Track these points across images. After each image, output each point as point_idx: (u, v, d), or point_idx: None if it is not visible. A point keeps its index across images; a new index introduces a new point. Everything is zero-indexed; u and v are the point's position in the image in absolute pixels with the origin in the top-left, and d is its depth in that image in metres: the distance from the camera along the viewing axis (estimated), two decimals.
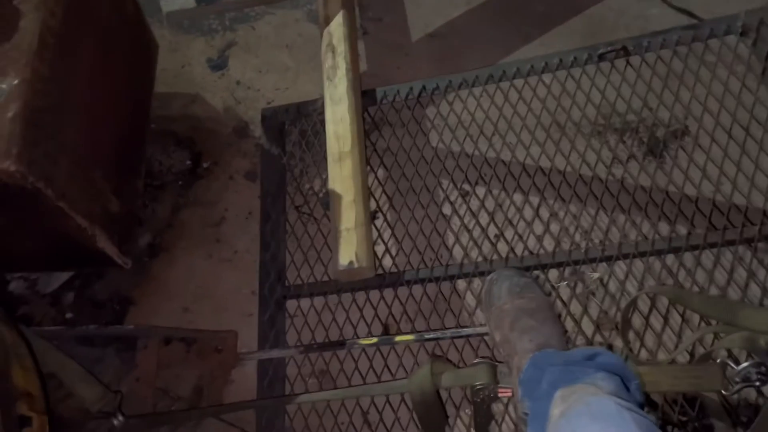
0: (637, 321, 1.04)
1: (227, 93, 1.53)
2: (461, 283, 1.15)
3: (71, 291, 1.31)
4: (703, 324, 1.00)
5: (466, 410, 1.07)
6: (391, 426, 1.04)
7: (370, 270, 1.10)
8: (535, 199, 1.16)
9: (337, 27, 1.28)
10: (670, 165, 1.17)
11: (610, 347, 1.06)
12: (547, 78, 1.25)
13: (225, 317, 1.26)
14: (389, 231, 1.20)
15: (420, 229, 1.17)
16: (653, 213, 1.10)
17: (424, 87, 1.30)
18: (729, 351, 0.95)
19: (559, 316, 1.05)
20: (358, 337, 1.11)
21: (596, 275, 1.12)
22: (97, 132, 1.10)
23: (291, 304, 1.19)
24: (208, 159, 1.44)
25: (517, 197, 1.18)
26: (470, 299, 1.14)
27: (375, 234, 1.19)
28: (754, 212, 1.06)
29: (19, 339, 0.88)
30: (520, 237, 1.14)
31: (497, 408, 1.02)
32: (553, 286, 1.11)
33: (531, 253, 1.12)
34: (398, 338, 1.09)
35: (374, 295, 1.14)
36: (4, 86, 0.87)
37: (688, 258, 1.05)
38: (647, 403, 0.90)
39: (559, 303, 1.09)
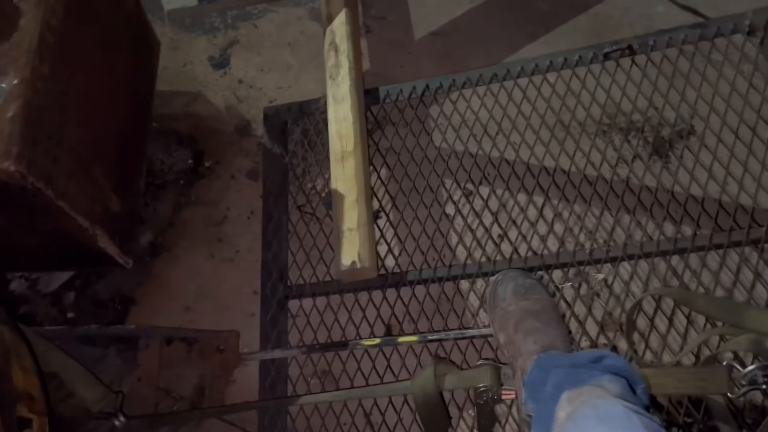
0: (641, 322, 1.03)
1: (229, 91, 1.52)
2: (464, 284, 1.14)
3: (72, 290, 1.30)
4: (708, 326, 1.00)
5: (470, 411, 1.06)
6: (394, 427, 1.03)
7: (372, 270, 1.09)
8: (539, 200, 1.16)
9: (339, 25, 1.28)
10: (675, 165, 1.16)
11: (615, 348, 1.05)
12: (551, 77, 1.24)
13: (227, 317, 1.25)
14: (392, 231, 1.20)
15: (423, 229, 1.17)
16: (658, 213, 1.09)
17: (427, 86, 1.29)
18: (735, 353, 0.95)
19: (563, 317, 1.04)
20: (360, 338, 1.11)
21: (601, 276, 1.11)
22: (97, 131, 1.09)
23: (293, 304, 1.19)
24: (209, 158, 1.44)
25: (521, 197, 1.17)
26: (473, 300, 1.13)
27: (378, 234, 1.19)
28: (761, 213, 1.05)
29: (19, 339, 0.88)
30: (524, 237, 1.13)
31: (500, 410, 1.01)
32: (557, 287, 1.10)
33: (535, 253, 1.12)
34: (401, 339, 1.08)
35: (377, 295, 1.14)
36: (3, 85, 0.87)
37: (693, 259, 1.05)
38: (652, 405, 0.89)
39: (563, 304, 1.08)
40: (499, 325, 0.97)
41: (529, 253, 1.11)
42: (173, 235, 1.36)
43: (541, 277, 1.09)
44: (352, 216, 1.11)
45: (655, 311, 1.03)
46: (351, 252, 1.08)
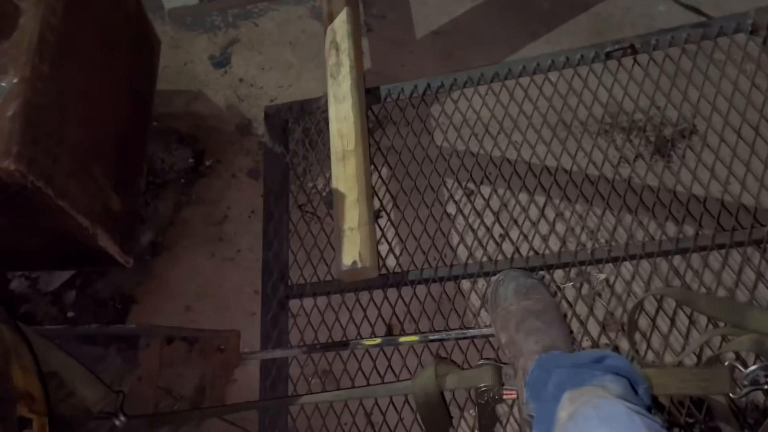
0: (643, 322, 1.03)
1: (230, 90, 1.52)
2: (465, 284, 1.14)
3: (73, 289, 1.30)
4: (710, 326, 0.99)
5: (470, 411, 1.06)
6: (395, 427, 1.03)
7: (373, 270, 1.09)
8: (540, 199, 1.15)
9: (340, 24, 1.27)
10: (677, 165, 1.15)
11: (616, 348, 1.05)
12: (553, 76, 1.24)
13: (227, 316, 1.25)
14: (393, 230, 1.19)
15: (424, 229, 1.16)
16: (660, 213, 1.09)
17: (428, 85, 1.29)
18: (737, 354, 0.94)
19: (565, 316, 1.04)
20: (361, 338, 1.10)
21: (602, 276, 1.11)
22: (98, 130, 1.09)
23: (294, 304, 1.18)
24: (210, 157, 1.43)
25: (523, 197, 1.17)
26: (474, 300, 1.13)
27: (379, 233, 1.18)
28: (764, 213, 1.04)
29: (19, 338, 0.88)
30: (526, 237, 1.13)
31: (501, 409, 1.01)
32: (558, 287, 1.10)
33: (536, 253, 1.11)
34: (402, 339, 1.08)
35: (378, 295, 1.14)
36: (3, 84, 0.86)
37: (695, 259, 1.04)
38: (654, 405, 0.89)
39: (564, 304, 1.08)
40: (500, 324, 0.97)
41: (531, 253, 1.11)
42: (174, 234, 1.36)
43: (543, 276, 1.08)
44: (353, 215, 1.10)
45: (657, 311, 1.02)
46: (352, 251, 1.08)
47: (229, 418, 1.13)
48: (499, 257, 1.12)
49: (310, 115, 1.35)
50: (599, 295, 1.11)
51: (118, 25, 1.19)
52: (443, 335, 1.07)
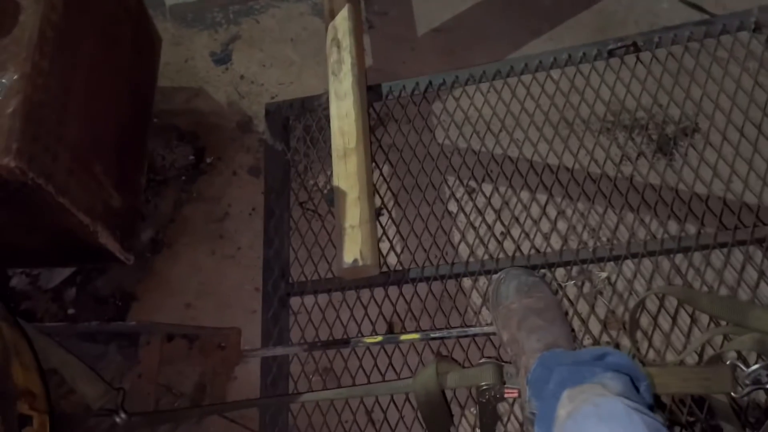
0: (644, 321, 1.03)
1: (231, 87, 1.51)
2: (467, 282, 1.14)
3: (73, 287, 1.30)
4: (712, 325, 0.99)
5: (471, 409, 1.06)
6: (396, 425, 1.03)
7: (374, 268, 1.09)
8: (542, 197, 1.15)
9: (342, 21, 1.27)
10: (680, 163, 1.15)
11: (617, 347, 1.05)
12: (555, 74, 1.24)
13: (228, 314, 1.25)
14: (394, 228, 1.19)
15: (425, 227, 1.16)
16: (662, 212, 1.09)
17: (430, 82, 1.29)
18: (738, 352, 0.94)
19: (566, 315, 1.03)
20: (362, 336, 1.10)
21: (604, 274, 1.11)
22: (98, 127, 1.09)
23: (295, 302, 1.18)
24: (211, 154, 1.43)
25: (525, 195, 1.17)
26: (476, 298, 1.13)
27: (380, 231, 1.18)
28: (766, 211, 1.04)
29: (19, 335, 0.88)
30: (527, 235, 1.13)
31: (503, 408, 1.01)
32: (560, 285, 1.09)
33: (538, 251, 1.11)
34: (403, 337, 1.08)
35: (379, 293, 1.13)
36: (4, 81, 0.86)
37: (697, 257, 1.04)
38: (655, 404, 0.89)
39: (565, 302, 1.07)
40: (502, 323, 0.97)
41: (532, 251, 1.11)
42: (174, 231, 1.36)
43: (544, 275, 1.08)
44: (354, 213, 1.10)
45: (659, 310, 1.02)
46: (353, 249, 1.08)
47: (229, 415, 1.13)
48: (501, 255, 1.12)
49: (311, 112, 1.34)
50: (601, 293, 1.11)
51: (119, 22, 1.19)
52: (444, 333, 1.07)
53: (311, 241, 1.21)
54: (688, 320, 1.00)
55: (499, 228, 1.16)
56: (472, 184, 1.23)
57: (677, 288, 1.01)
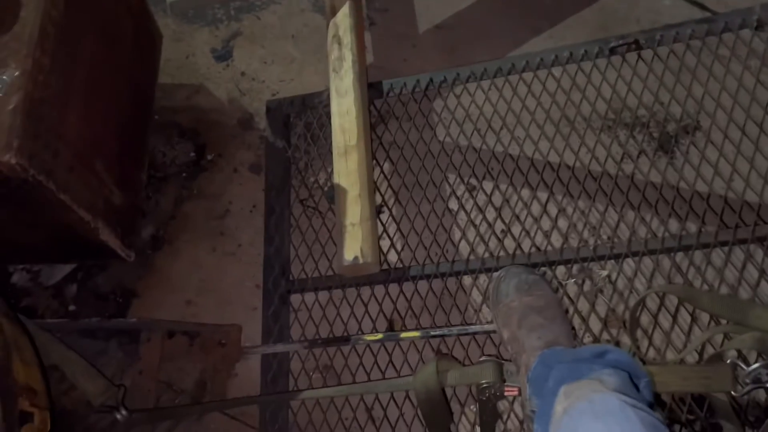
0: (645, 319, 1.03)
1: (232, 84, 1.51)
2: (467, 279, 1.14)
3: (74, 283, 1.30)
4: (712, 323, 0.99)
5: (471, 407, 1.06)
6: (396, 422, 1.03)
7: (375, 265, 1.09)
8: (543, 195, 1.15)
9: (343, 18, 1.27)
10: (681, 161, 1.15)
11: (618, 345, 1.05)
12: (556, 71, 1.23)
13: (229, 311, 1.25)
14: (395, 226, 1.19)
15: (426, 224, 1.16)
16: (663, 210, 1.08)
17: (431, 79, 1.28)
18: (739, 351, 0.94)
19: (566, 313, 1.03)
20: (362, 333, 1.10)
21: (604, 273, 1.11)
22: (99, 124, 1.09)
23: (295, 299, 1.18)
24: (212, 151, 1.43)
25: (525, 192, 1.16)
26: (476, 295, 1.13)
27: (380, 229, 1.18)
28: (767, 210, 1.04)
29: (20, 332, 0.88)
30: (528, 233, 1.13)
31: (503, 406, 1.01)
32: (560, 283, 1.09)
33: (538, 249, 1.11)
34: (403, 335, 1.08)
35: (379, 290, 1.13)
36: (4, 77, 0.86)
37: (698, 256, 1.04)
38: (655, 402, 0.89)
39: (566, 300, 1.07)
40: (502, 321, 0.97)
41: (533, 249, 1.11)
42: (175, 228, 1.36)
43: (545, 273, 1.08)
44: (354, 211, 1.10)
45: (659, 308, 1.02)
46: (354, 247, 1.07)
47: (229, 412, 1.13)
48: (501, 253, 1.12)
49: (312, 109, 1.34)
50: (601, 291, 1.11)
51: (120, 18, 1.19)
52: (445, 331, 1.07)
53: (312, 238, 1.21)
54: (689, 319, 1.00)
55: (499, 226, 1.16)
56: (473, 181, 1.23)
57: (678, 286, 1.01)
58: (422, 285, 1.12)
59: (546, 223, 1.13)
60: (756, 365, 0.79)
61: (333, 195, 1.19)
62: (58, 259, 1.27)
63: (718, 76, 1.15)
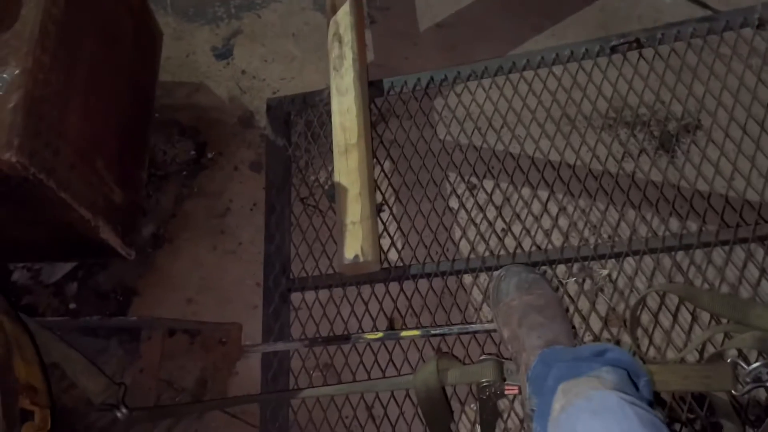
0: (645, 318, 1.03)
1: (232, 82, 1.51)
2: (467, 278, 1.14)
3: (74, 281, 1.30)
4: (713, 323, 0.99)
5: (471, 405, 1.06)
6: (396, 421, 1.03)
7: (375, 264, 1.09)
8: (543, 194, 1.15)
9: (344, 16, 1.26)
10: (682, 160, 1.15)
11: (618, 344, 1.05)
12: (557, 70, 1.23)
13: (229, 309, 1.25)
14: (395, 224, 1.19)
15: (426, 223, 1.16)
16: (664, 209, 1.08)
17: (432, 78, 1.28)
18: (739, 350, 0.94)
19: (567, 311, 1.03)
20: (363, 332, 1.10)
21: (605, 272, 1.11)
22: (99, 122, 1.09)
23: (295, 297, 1.18)
24: (212, 149, 1.43)
25: (526, 191, 1.16)
26: (477, 294, 1.13)
27: (381, 227, 1.18)
28: None
29: (21, 330, 0.88)
30: (528, 232, 1.12)
31: (503, 404, 1.01)
32: (560, 282, 1.09)
33: (539, 248, 1.11)
34: (404, 333, 1.08)
35: (379, 289, 1.13)
36: (5, 76, 0.86)
37: (698, 255, 1.04)
38: (656, 401, 0.89)
39: (566, 299, 1.07)
40: (502, 320, 0.97)
41: (533, 248, 1.11)
42: (175, 226, 1.36)
43: (545, 272, 1.08)
44: (355, 209, 1.10)
45: (660, 307, 1.02)
46: (354, 245, 1.07)
47: (230, 410, 1.13)
48: (502, 252, 1.12)
49: (312, 107, 1.34)
50: (602, 290, 1.11)
51: (120, 16, 1.18)
52: (445, 330, 1.07)
53: (312, 236, 1.21)
54: (689, 318, 1.00)
55: (500, 224, 1.16)
56: (474, 180, 1.22)
57: (678, 285, 1.01)
58: (423, 284, 1.12)
59: (547, 222, 1.13)
60: (756, 364, 0.79)
61: (333, 193, 1.19)
62: (58, 257, 1.27)
63: (720, 75, 1.15)
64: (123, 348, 1.15)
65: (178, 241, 1.34)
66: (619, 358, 0.75)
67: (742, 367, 0.81)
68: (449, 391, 0.99)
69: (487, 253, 1.12)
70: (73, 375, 1.01)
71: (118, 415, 0.99)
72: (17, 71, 0.86)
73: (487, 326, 1.05)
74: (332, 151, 1.18)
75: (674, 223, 1.08)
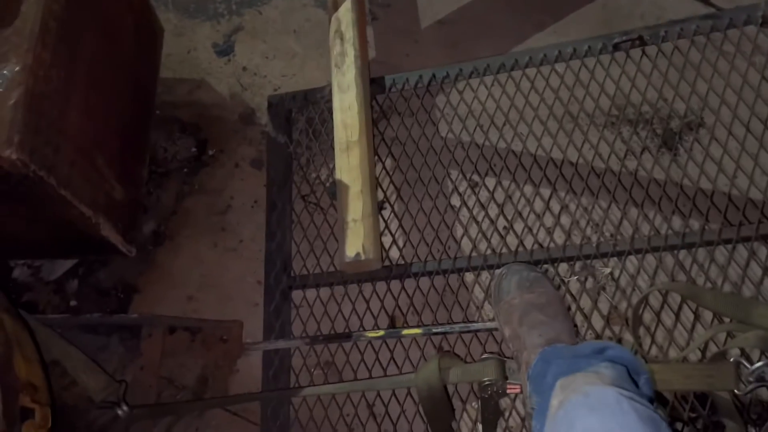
0: (647, 317, 1.02)
1: (233, 79, 1.51)
2: (469, 276, 1.13)
3: (75, 278, 1.30)
4: (715, 322, 0.99)
5: (473, 404, 1.06)
6: (397, 419, 1.03)
7: (377, 262, 1.09)
8: (545, 192, 1.14)
9: (345, 12, 1.26)
10: (684, 158, 1.14)
11: (620, 343, 1.04)
12: (560, 67, 1.23)
13: (230, 306, 1.25)
14: (397, 222, 1.19)
15: (428, 221, 1.16)
16: (667, 207, 1.08)
17: (433, 75, 1.28)
18: (742, 350, 0.94)
19: (569, 310, 1.03)
20: (364, 330, 1.10)
21: (607, 270, 1.11)
22: (100, 119, 1.08)
23: (297, 295, 1.18)
24: (213, 146, 1.43)
25: (528, 189, 1.16)
26: (478, 293, 1.12)
27: (382, 225, 1.18)
28: None
29: (21, 327, 0.88)
30: (530, 230, 1.12)
31: (504, 403, 1.01)
32: (562, 281, 1.09)
33: (541, 246, 1.11)
34: (405, 332, 1.08)
35: (381, 286, 1.13)
36: (5, 72, 0.86)
37: (701, 254, 1.03)
38: (657, 399, 0.89)
39: (568, 297, 1.07)
40: (503, 318, 0.96)
41: (535, 246, 1.10)
42: (176, 223, 1.36)
43: (547, 270, 1.08)
44: (356, 207, 1.10)
45: (662, 306, 1.02)
46: (355, 243, 1.07)
47: (231, 408, 1.13)
48: (503, 250, 1.11)
49: (313, 104, 1.34)
50: (604, 289, 1.10)
51: (121, 13, 1.18)
52: (446, 328, 1.06)
53: (313, 234, 1.21)
54: (692, 317, 1.00)
55: (501, 222, 1.16)
56: (475, 178, 1.22)
57: (681, 284, 1.01)
58: (424, 282, 1.12)
59: (548, 220, 1.13)
60: (759, 364, 0.79)
61: (335, 191, 1.19)
62: (59, 254, 1.27)
63: (723, 73, 1.14)
64: (123, 345, 1.15)
65: (179, 238, 1.34)
66: (620, 355, 0.75)
67: (745, 366, 0.80)
68: (450, 389, 0.99)
69: (488, 251, 1.12)
70: (73, 372, 1.01)
71: (119, 412, 0.99)
72: (18, 68, 0.86)
73: (489, 325, 1.04)
74: (333, 149, 1.18)
75: (677, 222, 1.08)
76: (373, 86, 1.28)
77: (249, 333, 1.19)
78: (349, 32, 1.24)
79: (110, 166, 1.10)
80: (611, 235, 1.10)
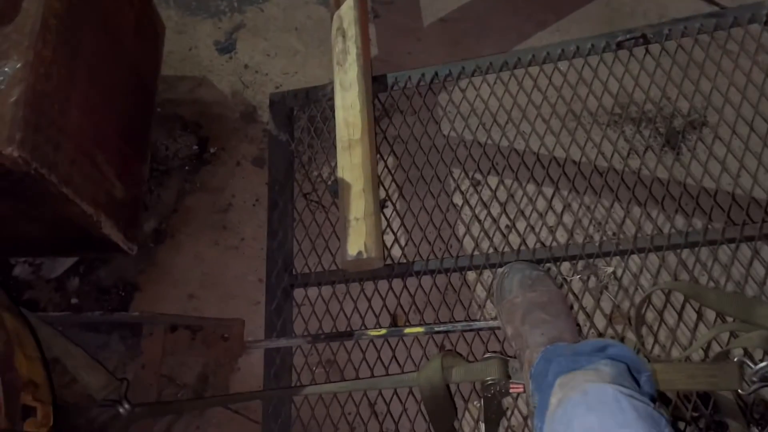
0: (650, 316, 1.02)
1: (235, 77, 1.50)
2: (471, 275, 1.13)
3: (76, 276, 1.30)
4: (719, 321, 0.98)
5: (475, 403, 1.06)
6: (399, 417, 1.03)
7: (379, 260, 1.08)
8: (548, 190, 1.14)
9: (347, 10, 1.25)
10: (688, 157, 1.14)
11: (622, 341, 1.04)
12: (563, 66, 1.22)
13: (231, 305, 1.25)
14: (399, 220, 1.18)
15: (430, 219, 1.15)
16: (669, 206, 1.08)
17: (436, 73, 1.27)
18: (745, 349, 0.94)
19: (571, 309, 1.03)
20: (365, 328, 1.10)
21: (610, 269, 1.10)
22: (101, 116, 1.08)
23: (298, 293, 1.18)
24: (214, 144, 1.42)
25: (530, 188, 1.16)
26: (480, 291, 1.12)
27: (384, 223, 1.17)
28: None
29: (22, 325, 0.88)
30: (533, 228, 1.12)
31: (506, 402, 1.01)
32: (565, 280, 1.09)
33: (543, 245, 1.10)
34: (407, 330, 1.07)
35: (383, 285, 1.13)
36: (6, 70, 0.85)
37: (704, 253, 1.03)
38: (660, 399, 0.89)
39: (571, 296, 1.07)
40: (506, 317, 0.96)
41: (538, 245, 1.10)
42: (177, 221, 1.35)
43: (549, 269, 1.07)
44: (358, 205, 1.09)
45: (665, 305, 1.02)
46: (357, 242, 1.07)
47: (232, 407, 1.13)
48: (506, 249, 1.11)
49: (315, 102, 1.33)
50: (606, 288, 1.10)
51: (122, 10, 1.18)
52: (448, 327, 1.06)
53: (315, 232, 1.20)
54: (695, 316, 1.00)
55: (504, 221, 1.16)
56: (478, 176, 1.22)
57: (684, 283, 1.00)
58: (426, 280, 1.11)
59: (551, 219, 1.13)
60: (763, 364, 0.79)
61: (336, 189, 1.18)
62: (60, 252, 1.27)
63: (727, 71, 1.14)
64: (124, 343, 1.15)
65: (180, 236, 1.34)
66: (620, 352, 0.75)
67: (748, 366, 0.80)
68: (452, 388, 0.98)
69: (491, 250, 1.12)
70: (74, 370, 1.01)
71: (120, 410, 0.99)
72: (19, 65, 0.86)
73: (491, 323, 1.04)
74: (335, 147, 1.17)
75: (680, 221, 1.08)
76: (376, 84, 1.28)
77: (250, 331, 1.19)
78: (352, 30, 1.24)
79: (111, 164, 1.09)
80: (614, 234, 1.10)
